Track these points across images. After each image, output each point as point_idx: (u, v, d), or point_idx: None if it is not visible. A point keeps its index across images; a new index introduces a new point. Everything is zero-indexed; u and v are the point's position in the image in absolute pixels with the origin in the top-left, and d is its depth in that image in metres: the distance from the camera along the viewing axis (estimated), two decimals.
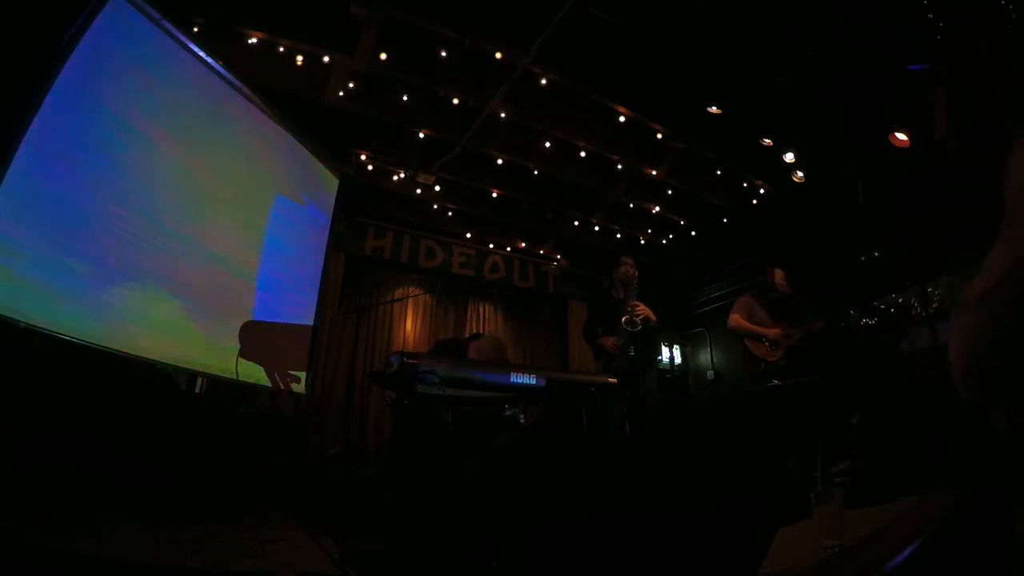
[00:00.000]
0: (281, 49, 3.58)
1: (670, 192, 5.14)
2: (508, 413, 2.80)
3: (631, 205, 5.30)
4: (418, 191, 4.94)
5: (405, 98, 4.00)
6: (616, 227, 5.59)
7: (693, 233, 5.69)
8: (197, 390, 2.96)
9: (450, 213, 5.40)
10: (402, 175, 4.77)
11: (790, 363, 3.54)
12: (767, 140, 4.18)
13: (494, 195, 5.08)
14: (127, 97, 2.66)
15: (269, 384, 3.41)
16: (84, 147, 2.45)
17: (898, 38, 2.86)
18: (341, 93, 3.86)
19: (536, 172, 4.75)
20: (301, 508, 3.24)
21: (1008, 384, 0.45)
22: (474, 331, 5.61)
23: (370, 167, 4.74)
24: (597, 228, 5.55)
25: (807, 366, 3.29)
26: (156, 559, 1.73)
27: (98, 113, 2.52)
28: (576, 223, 5.57)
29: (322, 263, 4.14)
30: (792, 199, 4.80)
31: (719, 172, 4.88)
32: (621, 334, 3.27)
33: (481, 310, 5.99)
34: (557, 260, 6.12)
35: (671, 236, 5.79)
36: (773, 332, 3.62)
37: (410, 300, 5.55)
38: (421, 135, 4.31)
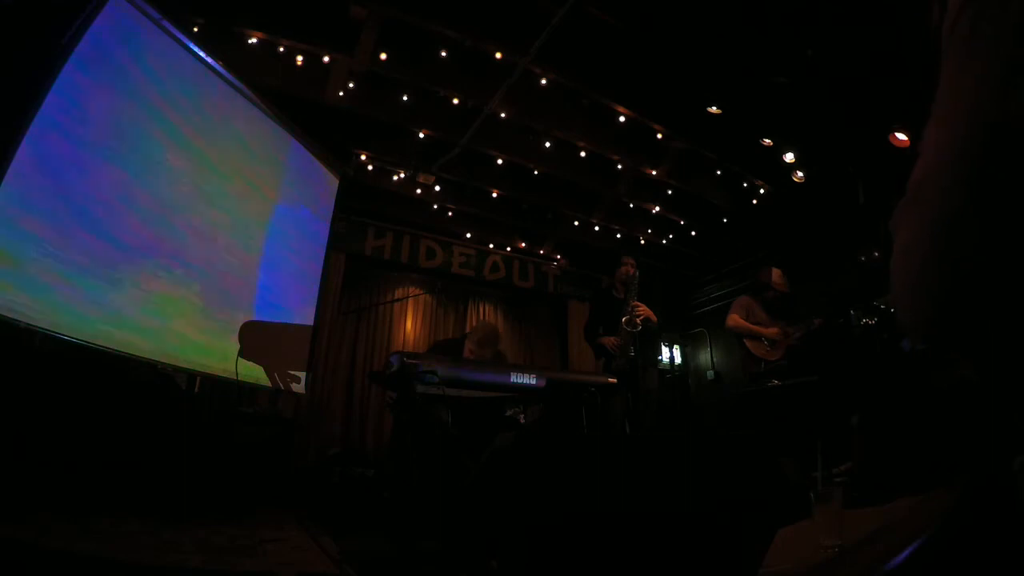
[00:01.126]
0: (281, 49, 3.58)
1: (670, 192, 5.15)
2: (508, 413, 2.80)
3: (631, 205, 5.30)
4: (418, 191, 4.94)
5: (405, 98, 4.00)
6: (616, 227, 5.59)
7: (693, 233, 5.69)
8: (197, 390, 2.95)
9: (450, 213, 5.40)
10: (402, 175, 4.76)
11: (790, 362, 3.55)
12: (767, 140, 4.18)
13: (494, 195, 5.08)
14: (127, 97, 2.66)
15: (269, 384, 3.41)
16: (84, 147, 2.45)
17: (898, 37, 2.86)
18: (341, 93, 3.86)
19: (536, 172, 4.75)
20: (301, 508, 3.25)
21: (966, 295, 0.35)
22: None
23: (370, 167, 4.74)
24: (597, 228, 5.55)
25: (807, 366, 3.29)
26: (156, 559, 1.74)
27: (98, 113, 2.51)
28: (576, 223, 5.57)
29: (322, 263, 4.14)
30: (792, 199, 4.80)
31: (719, 172, 4.88)
32: (622, 334, 3.27)
33: (481, 310, 5.99)
34: (557, 260, 6.12)
35: (671, 236, 5.79)
36: (772, 331, 3.63)
37: (410, 300, 5.55)
38: (421, 135, 4.31)
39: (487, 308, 6.05)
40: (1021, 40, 0.35)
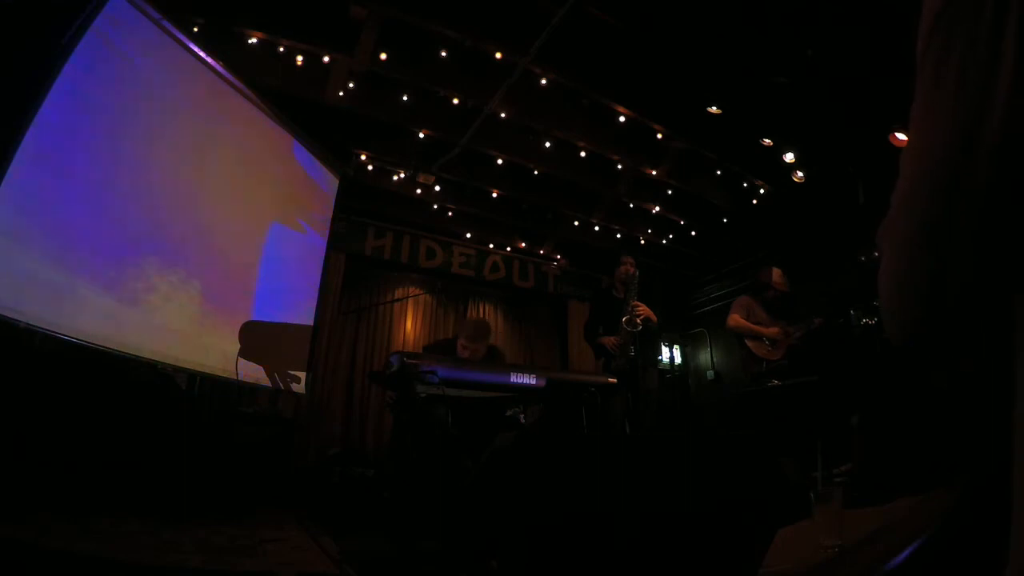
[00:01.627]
0: (281, 49, 3.58)
1: (670, 192, 5.14)
2: (508, 413, 2.80)
3: (631, 205, 5.30)
4: (418, 191, 4.94)
5: (405, 98, 4.00)
6: (616, 227, 5.58)
7: (693, 233, 5.69)
8: (197, 390, 2.96)
9: (450, 213, 5.40)
10: (402, 175, 4.76)
11: (791, 362, 3.55)
12: (767, 140, 4.18)
13: (494, 195, 5.08)
14: (127, 97, 2.66)
15: (269, 384, 3.41)
16: (84, 147, 2.45)
17: (898, 38, 2.86)
18: (341, 93, 3.86)
19: (536, 172, 4.75)
20: (301, 508, 3.25)
21: (946, 295, 0.38)
22: None
23: (370, 167, 4.74)
24: (597, 228, 5.55)
25: (807, 366, 3.29)
26: (156, 559, 1.74)
27: (98, 113, 2.51)
28: (576, 223, 5.56)
29: (322, 263, 4.14)
30: (792, 199, 4.80)
31: (719, 172, 4.88)
32: (622, 334, 3.27)
33: (481, 310, 5.99)
34: (557, 260, 6.12)
35: (671, 236, 5.79)
36: (773, 331, 3.63)
37: (410, 300, 5.55)
38: (421, 135, 4.31)
39: (487, 308, 6.05)
40: (996, 54, 0.36)
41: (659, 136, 4.42)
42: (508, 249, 5.92)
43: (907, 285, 0.41)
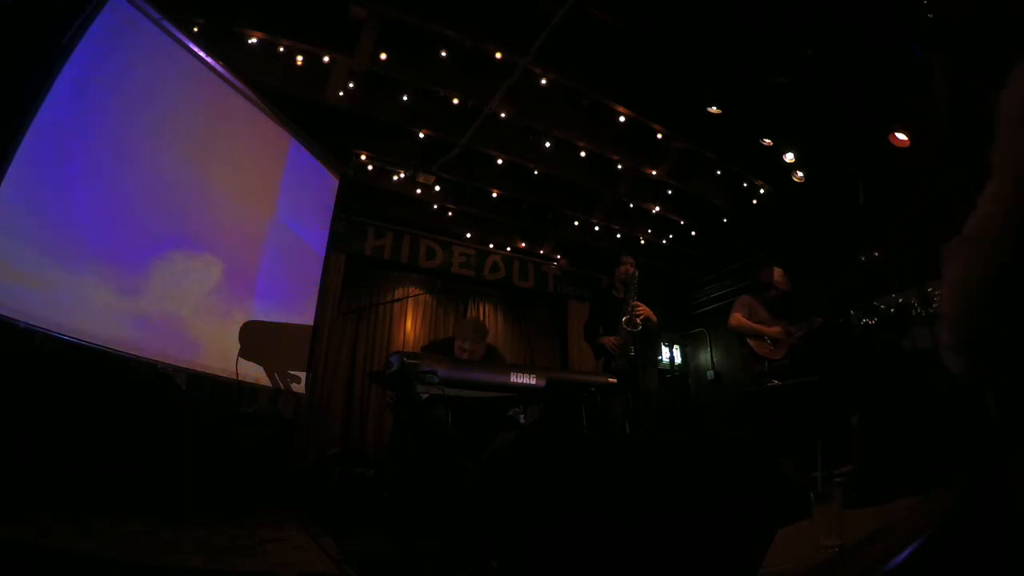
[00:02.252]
0: (281, 49, 3.58)
1: (670, 192, 5.14)
2: (508, 413, 2.80)
3: (631, 205, 5.30)
4: (418, 191, 4.94)
5: (405, 98, 4.00)
6: (616, 227, 5.58)
7: (693, 233, 5.69)
8: (197, 390, 2.95)
9: (450, 213, 5.40)
10: (402, 175, 4.76)
11: (793, 361, 3.55)
12: (767, 140, 4.18)
13: (494, 195, 5.08)
14: (127, 97, 2.66)
15: (269, 384, 3.41)
16: (84, 147, 2.45)
17: (898, 38, 2.86)
18: (341, 93, 3.86)
19: (536, 172, 4.75)
20: (301, 508, 3.25)
21: (1000, 336, 0.45)
22: None
23: (370, 167, 4.74)
24: (597, 228, 5.55)
25: (808, 365, 3.29)
26: (156, 559, 1.74)
27: (97, 113, 2.51)
28: (576, 223, 5.57)
29: (322, 263, 4.14)
30: (792, 199, 4.80)
31: (719, 172, 4.88)
32: (622, 334, 3.26)
33: (481, 310, 5.99)
34: (557, 260, 6.12)
35: (671, 236, 5.79)
36: (775, 330, 3.63)
37: (410, 300, 5.55)
38: (421, 135, 4.31)
39: (487, 308, 6.05)
40: None
41: (659, 136, 4.42)
42: (508, 249, 5.92)
43: (970, 303, 0.51)
